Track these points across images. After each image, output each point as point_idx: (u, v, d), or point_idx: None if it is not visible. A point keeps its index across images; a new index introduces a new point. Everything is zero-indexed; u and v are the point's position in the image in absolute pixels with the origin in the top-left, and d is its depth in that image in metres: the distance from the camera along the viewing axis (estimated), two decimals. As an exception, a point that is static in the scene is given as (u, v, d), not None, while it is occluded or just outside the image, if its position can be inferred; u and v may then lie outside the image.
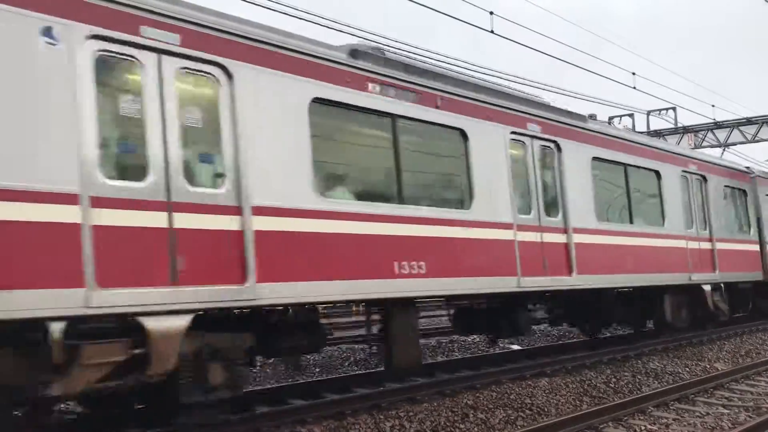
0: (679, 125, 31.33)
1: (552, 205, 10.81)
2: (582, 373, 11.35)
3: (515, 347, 15.56)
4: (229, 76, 6.96)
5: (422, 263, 8.42)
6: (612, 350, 13.71)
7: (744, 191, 17.17)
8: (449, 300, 10.98)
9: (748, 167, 18.06)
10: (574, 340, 16.99)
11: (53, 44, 5.71)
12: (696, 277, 14.37)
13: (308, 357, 12.58)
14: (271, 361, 12.43)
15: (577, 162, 11.35)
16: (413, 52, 11.37)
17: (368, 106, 8.30)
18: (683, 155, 14.95)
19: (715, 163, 16.30)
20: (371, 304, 10.08)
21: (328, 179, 7.95)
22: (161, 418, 7.15)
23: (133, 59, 6.32)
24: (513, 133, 10.26)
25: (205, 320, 6.59)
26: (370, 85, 8.34)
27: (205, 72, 6.84)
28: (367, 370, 12.28)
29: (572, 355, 14.12)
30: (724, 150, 31.06)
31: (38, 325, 5.49)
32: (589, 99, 28.60)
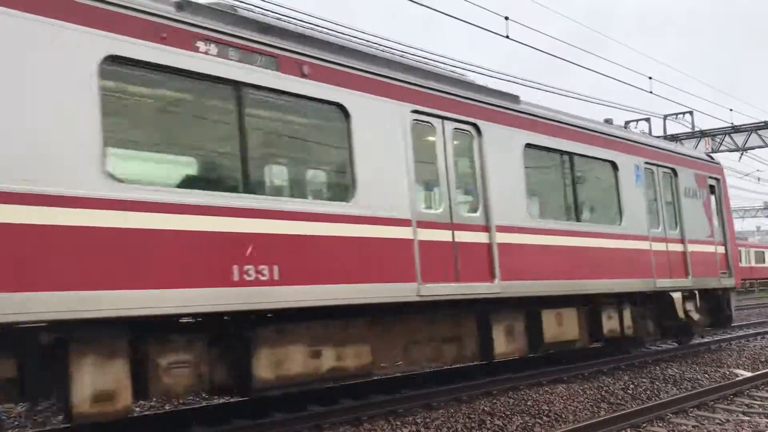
0: (696, 129, 31.23)
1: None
2: (599, 379, 11.34)
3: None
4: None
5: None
6: (630, 356, 13.66)
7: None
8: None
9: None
10: (592, 346, 16.94)
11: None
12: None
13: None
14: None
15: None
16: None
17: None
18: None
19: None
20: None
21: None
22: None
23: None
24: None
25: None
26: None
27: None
28: (385, 376, 12.34)
29: (588, 362, 14.13)
30: (742, 154, 30.92)
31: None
32: (605, 103, 28.47)
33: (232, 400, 10.25)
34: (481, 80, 10.78)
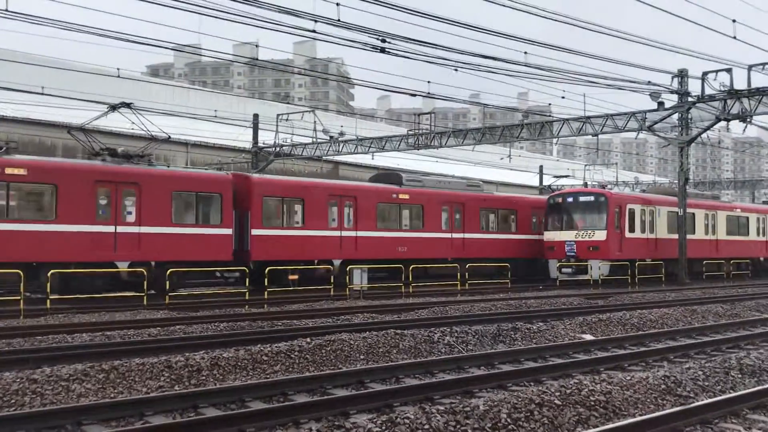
0: (787, 82, 30.22)
1: None
2: (665, 368, 11.15)
3: (588, 337, 15.40)
4: None
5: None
6: (701, 342, 13.44)
7: None
8: None
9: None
10: (655, 330, 16.72)
11: None
12: None
13: (350, 341, 12.70)
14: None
15: None
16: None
17: None
18: None
19: None
20: None
21: None
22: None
23: None
24: None
25: None
26: None
27: None
28: (417, 359, 12.32)
29: (651, 346, 13.93)
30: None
31: None
32: (677, 50, 27.61)
33: (248, 382, 10.33)
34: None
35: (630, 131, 33.32)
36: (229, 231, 25.74)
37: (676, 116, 32.41)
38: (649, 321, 17.71)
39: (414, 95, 31.08)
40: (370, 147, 40.16)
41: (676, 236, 33.65)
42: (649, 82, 30.50)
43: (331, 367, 11.61)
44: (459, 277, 30.14)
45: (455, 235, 33.33)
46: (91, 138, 24.54)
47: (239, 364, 11.14)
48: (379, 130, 65.19)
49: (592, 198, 33.47)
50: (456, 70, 26.39)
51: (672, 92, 31.72)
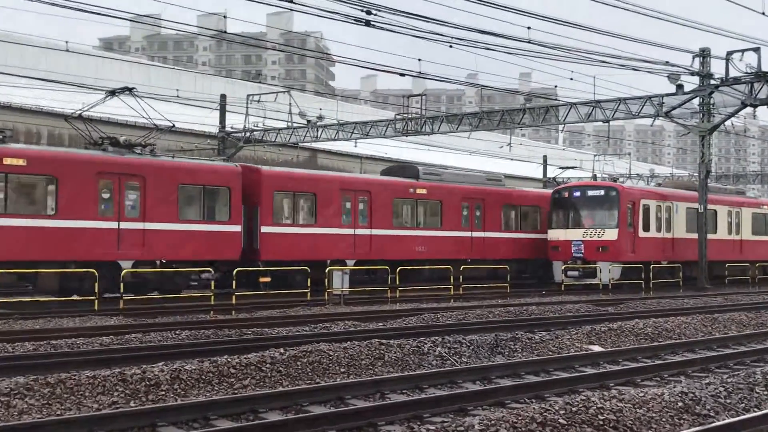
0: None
1: None
2: (681, 383, 11.22)
3: (596, 348, 15.48)
4: None
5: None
6: (722, 355, 13.54)
7: None
8: None
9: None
10: (671, 341, 16.83)
11: None
12: None
13: (329, 352, 12.70)
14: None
15: None
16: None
17: None
18: None
19: None
20: None
21: None
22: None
23: None
24: None
25: None
26: None
27: None
28: (405, 373, 12.33)
29: (667, 359, 14.03)
30: None
31: None
32: (701, 27, 27.79)
33: (213, 398, 10.32)
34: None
35: (645, 117, 33.53)
36: (237, 228, 26.35)
37: (696, 101, 32.60)
38: (665, 331, 17.83)
39: (403, 75, 31.09)
40: (352, 133, 40.16)
41: (695, 236, 33.83)
42: (666, 62, 30.67)
43: (308, 382, 11.61)
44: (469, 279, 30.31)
45: (475, 234, 34.08)
46: (91, 126, 24.98)
47: (203, 377, 11.12)
48: (362, 114, 65.22)
49: (601, 192, 33.67)
50: (450, 46, 26.45)
51: (692, 74, 31.88)
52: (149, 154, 25.40)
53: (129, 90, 25.27)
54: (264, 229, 27.07)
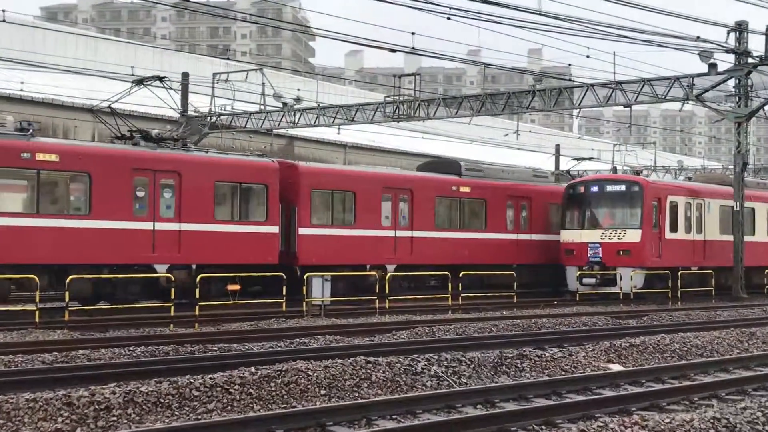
0: None
1: None
2: (713, 407, 11.26)
3: (615, 367, 15.52)
4: None
5: None
6: (760, 375, 13.58)
7: None
8: None
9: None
10: (702, 359, 16.89)
11: None
12: None
13: (307, 372, 12.70)
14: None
15: None
16: None
17: None
18: None
19: None
20: None
21: None
22: None
23: None
24: None
25: None
26: None
27: None
28: (395, 395, 12.34)
29: (697, 380, 14.07)
30: None
31: None
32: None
33: (172, 425, 10.30)
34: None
35: (673, 101, 33.58)
36: (275, 229, 27.55)
37: (732, 82, 32.68)
38: (695, 347, 17.88)
39: (394, 51, 31.06)
40: (335, 117, 40.12)
41: (730, 238, 33.91)
42: (698, 37, 30.75)
43: (283, 405, 11.61)
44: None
45: (521, 236, 35.16)
46: (120, 119, 26.63)
47: (161, 400, 11.10)
48: (347, 96, 65.22)
49: (622, 187, 33.72)
50: (449, 18, 26.47)
51: (727, 51, 31.94)
52: (182, 148, 26.62)
53: (160, 79, 26.53)
54: (302, 231, 28.23)
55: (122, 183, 24.32)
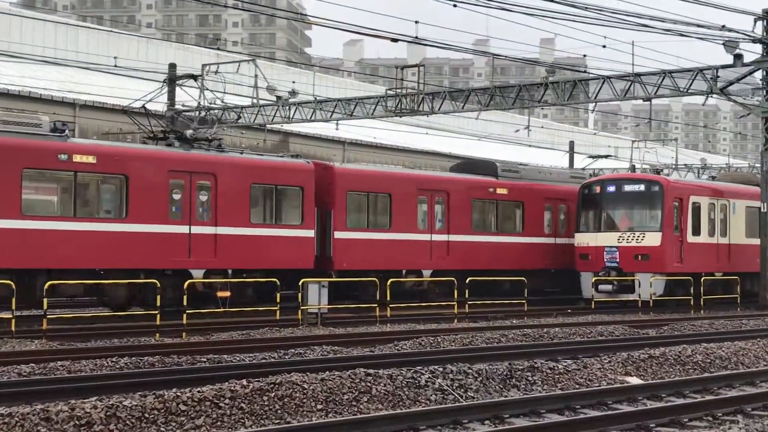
0: None
1: None
2: (738, 423, 11.27)
3: (633, 380, 15.52)
4: None
5: None
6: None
7: None
8: None
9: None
10: (726, 372, 16.89)
11: None
12: None
13: (302, 385, 12.71)
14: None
15: None
16: None
17: None
18: None
19: None
20: None
21: None
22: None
23: None
24: None
25: None
26: None
27: None
28: (397, 410, 12.34)
29: (721, 394, 14.06)
30: None
31: None
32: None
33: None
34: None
35: (696, 94, 33.59)
36: (311, 233, 28.37)
37: (759, 74, 32.69)
38: (719, 359, 17.88)
39: (396, 41, 31.04)
40: (333, 112, 40.11)
41: (757, 241, 33.91)
42: (723, 26, 30.77)
43: (276, 421, 11.62)
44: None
45: (559, 241, 35.98)
46: (153, 119, 27.91)
47: (146, 416, 11.12)
48: (346, 89, 65.25)
49: (641, 187, 33.72)
50: (455, 5, 26.49)
51: (755, 41, 31.96)
52: (216, 149, 27.37)
53: (194, 78, 27.22)
54: (338, 235, 28.93)
55: (159, 185, 24.97)
